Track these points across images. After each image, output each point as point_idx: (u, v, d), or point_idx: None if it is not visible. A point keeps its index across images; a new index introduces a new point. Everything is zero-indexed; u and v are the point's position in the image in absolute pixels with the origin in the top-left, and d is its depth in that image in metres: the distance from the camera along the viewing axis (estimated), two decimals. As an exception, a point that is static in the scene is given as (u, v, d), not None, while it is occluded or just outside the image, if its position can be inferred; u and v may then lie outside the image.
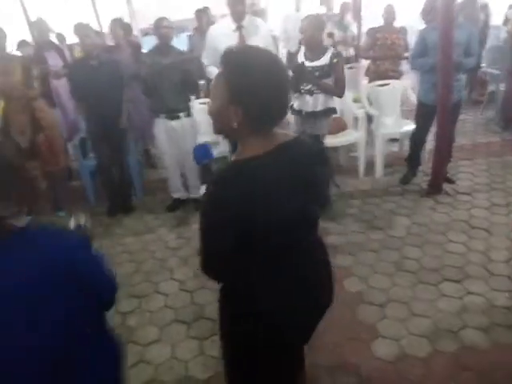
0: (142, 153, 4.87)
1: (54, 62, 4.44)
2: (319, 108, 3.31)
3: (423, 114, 3.87)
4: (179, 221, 3.83)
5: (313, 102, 3.29)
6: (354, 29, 5.80)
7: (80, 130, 4.13)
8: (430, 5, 3.83)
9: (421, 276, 2.82)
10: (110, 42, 5.06)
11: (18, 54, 4.37)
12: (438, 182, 3.86)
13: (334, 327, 2.39)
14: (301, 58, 3.33)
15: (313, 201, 1.34)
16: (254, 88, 1.14)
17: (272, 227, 1.22)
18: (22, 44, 4.83)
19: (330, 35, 4.83)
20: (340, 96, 3.36)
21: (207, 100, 4.23)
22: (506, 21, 5.99)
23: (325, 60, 3.24)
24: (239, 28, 3.47)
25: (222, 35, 3.42)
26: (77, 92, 3.73)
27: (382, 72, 4.64)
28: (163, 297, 2.84)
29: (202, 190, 1.23)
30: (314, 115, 3.32)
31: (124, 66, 3.92)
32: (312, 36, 3.25)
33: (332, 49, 3.34)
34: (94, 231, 1.47)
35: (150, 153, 5.11)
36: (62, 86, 4.45)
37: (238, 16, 3.45)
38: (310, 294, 1.36)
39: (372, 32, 4.66)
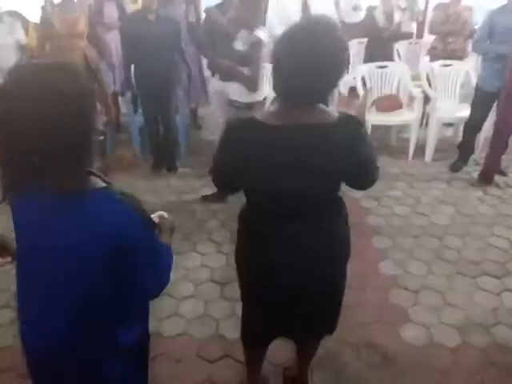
0: (188, 112, 4.88)
1: (110, 13, 4.44)
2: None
3: (481, 101, 3.69)
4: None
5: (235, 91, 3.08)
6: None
7: (131, 85, 4.16)
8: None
9: (459, 267, 2.76)
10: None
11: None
12: (490, 173, 3.71)
13: (364, 307, 2.42)
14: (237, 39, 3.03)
15: (323, 181, 1.35)
16: (285, 54, 1.22)
17: (261, 189, 1.37)
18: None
19: (403, 9, 4.59)
20: (254, 91, 3.01)
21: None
22: None
23: (241, 45, 2.94)
24: None
25: None
26: (128, 45, 3.68)
27: (451, 51, 4.39)
28: (200, 256, 2.93)
29: None
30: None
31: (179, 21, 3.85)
32: (238, 13, 2.90)
33: (257, 32, 2.94)
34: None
35: (197, 113, 5.14)
36: (112, 38, 4.45)
37: None
38: (306, 263, 1.44)
39: (443, 7, 4.37)
